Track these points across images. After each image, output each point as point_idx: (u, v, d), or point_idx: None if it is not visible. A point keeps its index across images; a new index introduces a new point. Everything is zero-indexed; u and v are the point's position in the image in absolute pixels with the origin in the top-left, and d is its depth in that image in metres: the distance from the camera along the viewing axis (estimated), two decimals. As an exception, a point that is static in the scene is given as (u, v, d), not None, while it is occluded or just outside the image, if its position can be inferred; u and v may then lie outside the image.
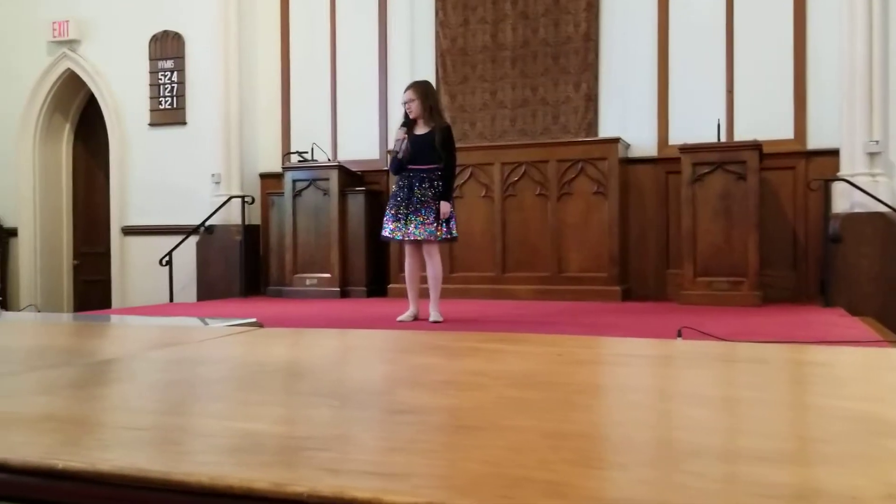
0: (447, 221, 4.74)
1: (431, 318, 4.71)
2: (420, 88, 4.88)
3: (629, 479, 0.68)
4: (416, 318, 4.78)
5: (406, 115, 4.85)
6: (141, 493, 0.67)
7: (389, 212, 4.83)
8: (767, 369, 1.27)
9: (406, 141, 4.77)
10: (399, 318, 4.79)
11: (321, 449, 0.77)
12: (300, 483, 0.64)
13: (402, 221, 4.75)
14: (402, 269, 6.76)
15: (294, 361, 1.46)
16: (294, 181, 7.15)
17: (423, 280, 4.99)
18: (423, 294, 5.03)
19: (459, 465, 0.73)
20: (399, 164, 4.81)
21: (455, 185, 5.12)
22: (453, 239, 4.88)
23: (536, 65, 6.97)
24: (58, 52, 8.15)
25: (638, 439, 0.82)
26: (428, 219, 4.71)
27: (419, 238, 4.73)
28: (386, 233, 4.83)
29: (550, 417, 0.91)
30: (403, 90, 5.00)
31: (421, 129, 4.82)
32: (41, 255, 8.30)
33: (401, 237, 4.77)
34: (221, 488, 0.65)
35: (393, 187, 4.95)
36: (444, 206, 4.72)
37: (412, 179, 4.76)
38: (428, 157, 4.74)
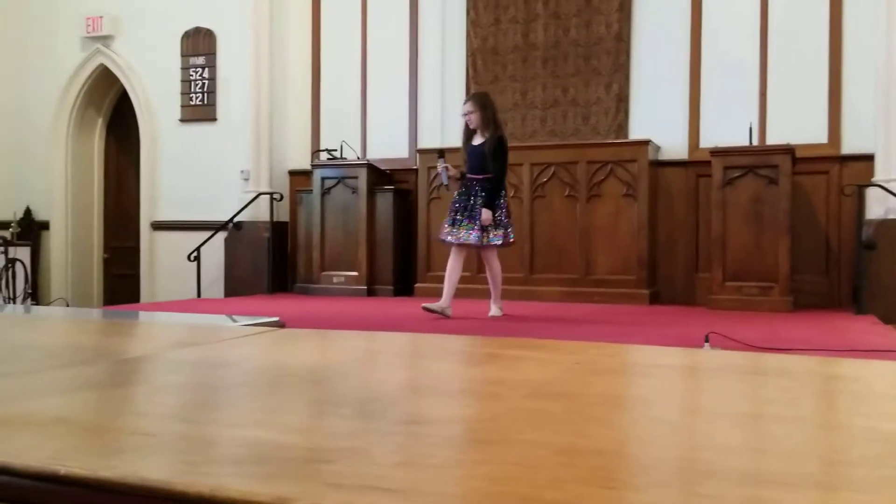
0: (495, 228, 5.00)
1: (491, 314, 5.10)
2: (478, 100, 5.19)
3: (643, 502, 0.66)
4: (443, 312, 4.99)
5: (466, 127, 5.17)
6: (142, 501, 0.66)
7: (448, 216, 5.18)
8: (794, 384, 1.24)
9: (445, 173, 5.12)
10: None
11: (328, 461, 0.75)
12: (302, 498, 0.63)
13: (457, 226, 5.07)
14: (429, 269, 6.88)
15: (311, 366, 1.45)
16: (323, 179, 7.19)
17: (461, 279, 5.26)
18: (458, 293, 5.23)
19: (467, 482, 0.71)
20: (460, 176, 5.16)
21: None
22: (504, 245, 5.12)
23: (567, 65, 6.92)
24: (91, 48, 8.27)
25: (654, 458, 0.80)
26: (477, 225, 4.99)
27: (464, 242, 5.04)
28: (442, 235, 5.21)
29: (565, 431, 0.89)
30: (463, 102, 5.32)
31: (478, 140, 5.12)
32: (72, 248, 8.43)
33: (452, 240, 5.10)
34: (221, 499, 0.64)
35: (454, 194, 5.27)
36: (485, 214, 4.97)
37: (469, 188, 5.08)
38: (483, 166, 5.02)
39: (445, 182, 5.21)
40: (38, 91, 8.46)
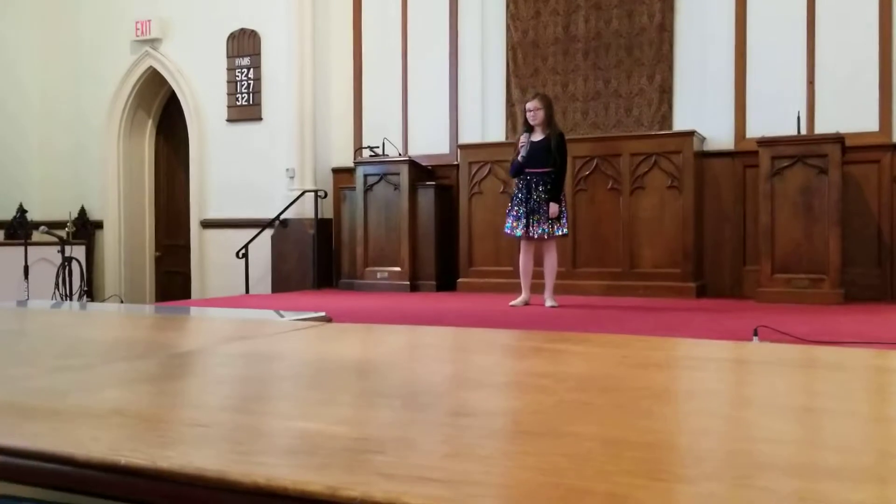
0: (559, 219, 5.32)
1: (547, 304, 5.33)
2: (545, 100, 5.55)
3: (695, 494, 0.66)
4: (527, 304, 5.41)
5: (526, 122, 5.47)
6: (198, 490, 0.68)
7: (511, 211, 5.47)
8: (847, 376, 1.22)
9: (528, 145, 5.35)
10: (511, 303, 5.41)
11: (378, 452, 0.76)
12: (354, 487, 0.64)
13: (523, 220, 5.36)
14: (471, 265, 6.92)
15: (359, 359, 1.46)
16: (365, 176, 7.23)
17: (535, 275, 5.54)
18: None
19: (516, 473, 0.71)
20: (518, 168, 5.39)
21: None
22: (564, 235, 5.49)
23: (609, 57, 6.85)
24: (140, 51, 8.44)
25: (705, 450, 0.79)
26: (543, 218, 5.30)
27: (535, 236, 5.33)
28: (507, 229, 5.51)
29: (613, 424, 0.89)
30: (529, 99, 5.64)
31: (537, 136, 5.42)
32: (125, 247, 8.62)
33: (520, 234, 5.40)
34: (276, 489, 0.65)
35: (513, 188, 5.60)
36: (553, 207, 5.30)
37: (529, 182, 5.36)
38: (543, 161, 5.33)
39: (525, 154, 5.38)
40: (90, 94, 8.66)
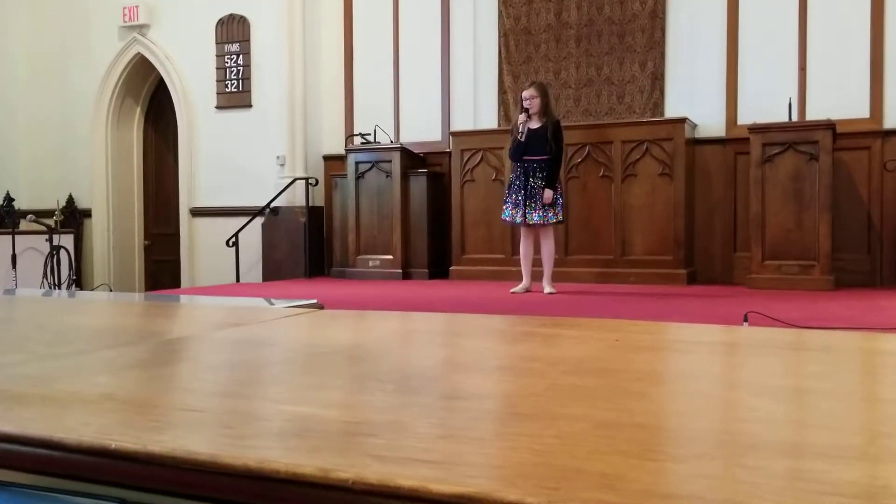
0: (554, 206, 5.37)
1: (546, 291, 5.36)
2: (541, 88, 5.59)
3: (685, 473, 0.66)
4: (528, 291, 5.44)
5: (524, 110, 5.47)
6: (190, 474, 0.68)
7: (508, 198, 5.51)
8: (837, 358, 1.22)
9: (526, 126, 5.39)
10: (512, 290, 5.45)
11: (371, 435, 0.76)
12: (346, 469, 0.64)
13: (520, 207, 5.41)
14: (463, 252, 6.92)
15: (351, 344, 1.46)
16: (357, 163, 7.20)
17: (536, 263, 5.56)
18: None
19: (508, 454, 0.71)
20: (518, 151, 5.42)
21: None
22: (560, 222, 5.52)
23: (601, 44, 6.84)
24: (128, 37, 8.37)
25: (696, 431, 0.80)
26: (539, 204, 5.36)
27: (532, 222, 5.38)
28: (506, 217, 5.54)
29: (605, 406, 0.89)
30: (525, 88, 5.64)
31: (534, 124, 5.45)
32: (114, 235, 8.57)
33: (519, 221, 5.44)
34: (268, 472, 0.65)
35: (510, 176, 5.63)
36: (547, 193, 5.35)
37: (527, 169, 5.41)
38: (540, 148, 5.38)
39: (521, 131, 5.40)
40: (78, 81, 8.59)
